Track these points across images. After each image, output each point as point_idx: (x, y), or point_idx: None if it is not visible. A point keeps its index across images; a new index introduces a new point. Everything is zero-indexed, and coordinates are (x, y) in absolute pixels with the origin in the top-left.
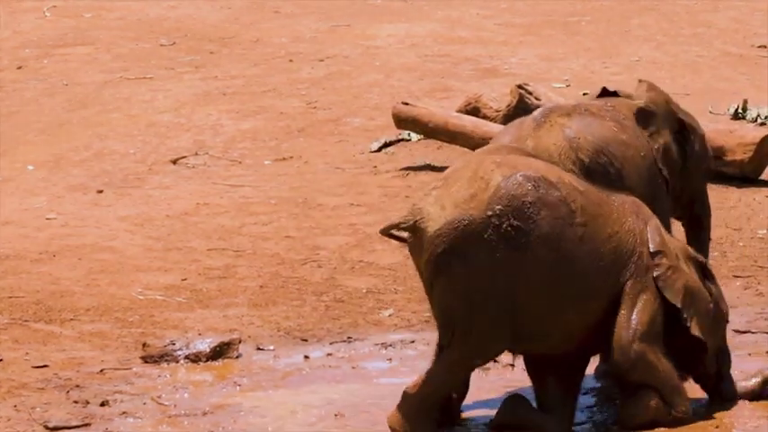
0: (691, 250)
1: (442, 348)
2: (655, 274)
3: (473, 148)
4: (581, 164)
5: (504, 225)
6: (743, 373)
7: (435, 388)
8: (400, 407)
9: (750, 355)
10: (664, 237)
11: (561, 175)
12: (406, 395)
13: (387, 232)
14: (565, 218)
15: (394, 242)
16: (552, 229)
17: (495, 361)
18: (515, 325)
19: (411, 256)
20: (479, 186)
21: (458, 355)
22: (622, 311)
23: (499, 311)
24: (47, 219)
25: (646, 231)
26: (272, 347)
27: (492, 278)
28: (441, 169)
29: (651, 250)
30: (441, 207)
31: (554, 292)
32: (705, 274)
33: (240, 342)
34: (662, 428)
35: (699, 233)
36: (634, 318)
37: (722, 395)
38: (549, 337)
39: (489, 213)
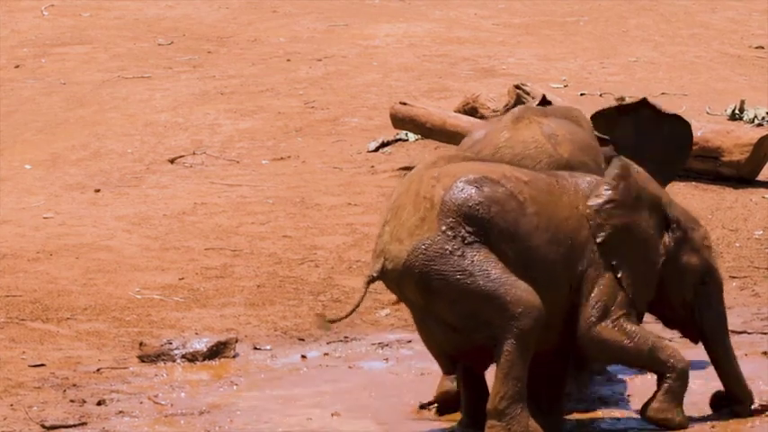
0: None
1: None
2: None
3: None
4: (559, 158)
5: (462, 233)
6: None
7: (519, 387)
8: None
9: (746, 355)
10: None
11: (503, 170)
12: (497, 412)
13: (367, 288)
14: (516, 210)
15: None
16: (507, 223)
17: None
18: None
19: (395, 296)
20: (425, 207)
21: (513, 341)
22: (581, 301)
23: (501, 291)
24: (44, 218)
25: None
26: (268, 347)
27: (477, 275)
28: None
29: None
30: (398, 241)
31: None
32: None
33: (237, 341)
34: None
35: None
36: (589, 304)
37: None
38: None
39: (444, 229)
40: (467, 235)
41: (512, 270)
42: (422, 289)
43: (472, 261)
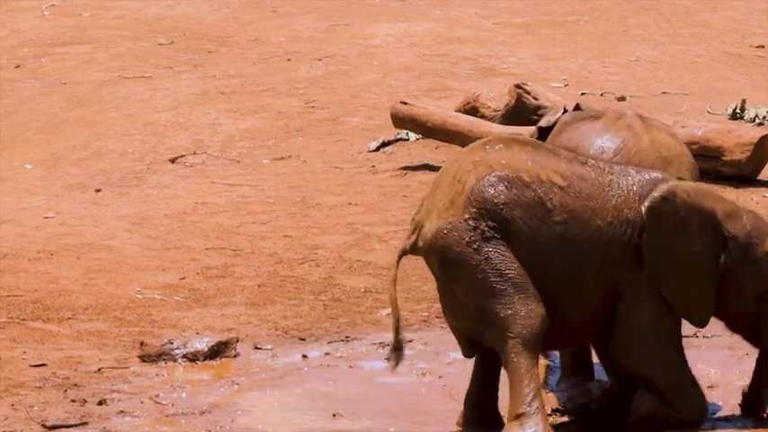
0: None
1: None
2: None
3: None
4: (660, 156)
5: (482, 227)
6: (741, 373)
7: (531, 388)
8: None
9: (748, 354)
10: None
11: (540, 171)
12: (515, 416)
13: (399, 261)
14: (540, 218)
15: (392, 241)
16: (528, 228)
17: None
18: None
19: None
20: (457, 190)
21: (516, 345)
22: (620, 309)
23: (514, 291)
24: (45, 218)
25: None
26: (269, 347)
27: (488, 272)
28: (439, 169)
29: None
30: (429, 219)
31: (542, 287)
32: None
33: (238, 341)
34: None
35: None
36: (630, 321)
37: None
38: (555, 326)
39: (467, 217)
40: (487, 230)
41: (529, 273)
42: (442, 271)
43: (486, 257)
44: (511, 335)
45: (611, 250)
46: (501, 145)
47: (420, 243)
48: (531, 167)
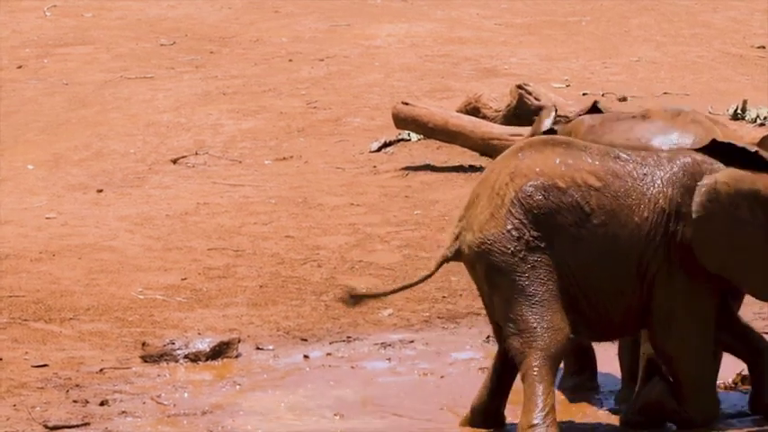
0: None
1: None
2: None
3: (473, 148)
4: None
5: (527, 237)
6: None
7: (547, 402)
8: None
9: None
10: None
11: (575, 175)
12: (528, 427)
13: (440, 266)
14: (579, 223)
15: (393, 241)
16: (569, 234)
17: None
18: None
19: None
20: (496, 203)
21: (541, 357)
22: (655, 298)
23: (551, 305)
24: (46, 218)
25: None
26: (271, 347)
27: (532, 281)
28: (440, 169)
29: None
30: (471, 231)
31: (587, 290)
32: None
33: (239, 342)
34: None
35: None
36: (667, 303)
37: None
38: (597, 324)
39: (509, 228)
40: (531, 239)
41: (574, 277)
42: (486, 280)
43: (532, 265)
44: (538, 346)
45: (650, 244)
46: (533, 150)
47: (465, 250)
48: (565, 172)
